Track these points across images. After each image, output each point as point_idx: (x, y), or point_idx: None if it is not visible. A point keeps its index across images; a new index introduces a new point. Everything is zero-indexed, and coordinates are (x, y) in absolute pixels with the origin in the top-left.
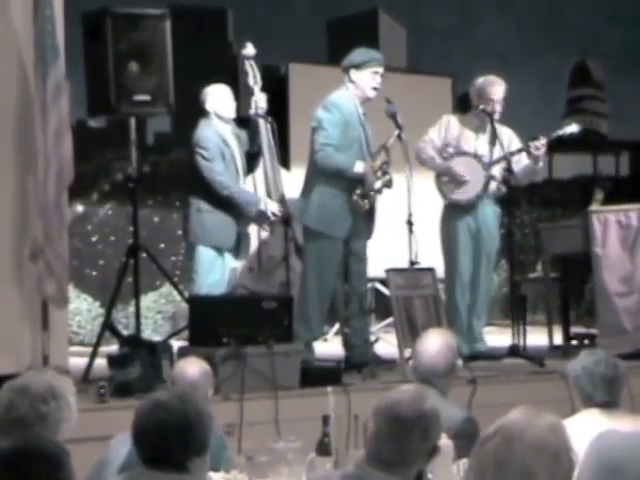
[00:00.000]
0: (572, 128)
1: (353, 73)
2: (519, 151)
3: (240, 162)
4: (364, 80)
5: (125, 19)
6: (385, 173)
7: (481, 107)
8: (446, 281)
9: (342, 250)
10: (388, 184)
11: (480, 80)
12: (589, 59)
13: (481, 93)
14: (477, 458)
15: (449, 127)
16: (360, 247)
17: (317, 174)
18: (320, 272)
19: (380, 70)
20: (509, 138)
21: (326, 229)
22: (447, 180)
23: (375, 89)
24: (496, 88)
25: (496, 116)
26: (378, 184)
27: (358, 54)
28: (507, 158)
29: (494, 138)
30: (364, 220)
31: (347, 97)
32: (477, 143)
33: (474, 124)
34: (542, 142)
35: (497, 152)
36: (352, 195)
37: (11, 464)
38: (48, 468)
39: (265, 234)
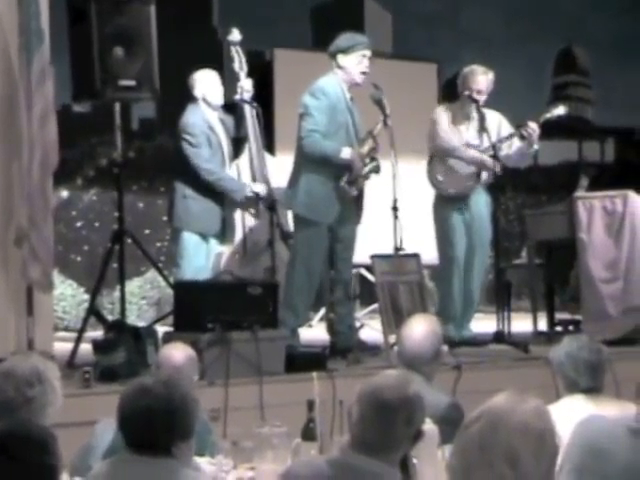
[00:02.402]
0: (559, 110)
1: (340, 58)
2: (510, 137)
3: (227, 148)
4: (352, 65)
5: (110, 3)
6: (373, 159)
7: (466, 93)
8: (441, 268)
9: (328, 236)
10: (376, 170)
11: (465, 69)
12: (575, 46)
13: (463, 82)
14: (462, 441)
15: (444, 117)
16: (348, 233)
17: (304, 161)
18: (307, 258)
19: (367, 54)
20: (498, 122)
21: (314, 216)
22: (441, 174)
23: (363, 73)
24: (478, 78)
25: (478, 100)
26: (366, 170)
27: (344, 39)
28: (494, 146)
29: (482, 126)
30: (352, 206)
31: (334, 82)
32: (467, 132)
33: (462, 112)
34: (533, 126)
35: (486, 139)
36: (339, 181)
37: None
38: (35, 452)
39: (251, 220)
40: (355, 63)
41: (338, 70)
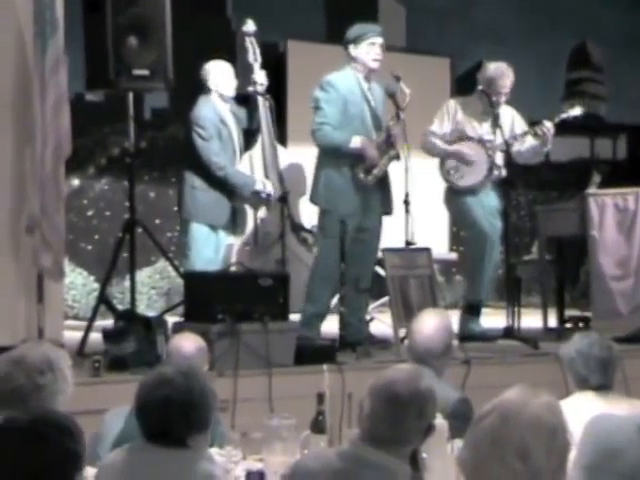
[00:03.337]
0: (576, 111)
1: (352, 49)
2: (524, 134)
3: (237, 141)
4: (362, 53)
5: None
6: (391, 146)
7: (480, 88)
8: (471, 245)
9: (341, 228)
10: (395, 157)
11: (492, 68)
12: (589, 42)
13: (490, 83)
14: (473, 434)
15: (452, 113)
16: (372, 223)
17: (322, 153)
18: (329, 250)
19: (377, 41)
20: (512, 118)
21: (332, 207)
22: (452, 168)
23: (375, 60)
24: (506, 81)
25: (500, 103)
26: (384, 158)
27: (354, 30)
28: (508, 143)
29: (496, 122)
30: (376, 196)
31: (346, 75)
32: (481, 128)
33: (478, 107)
34: (548, 126)
35: (499, 135)
36: (355, 171)
37: (31, 434)
38: (65, 438)
39: (262, 212)
40: (365, 51)
41: (351, 61)
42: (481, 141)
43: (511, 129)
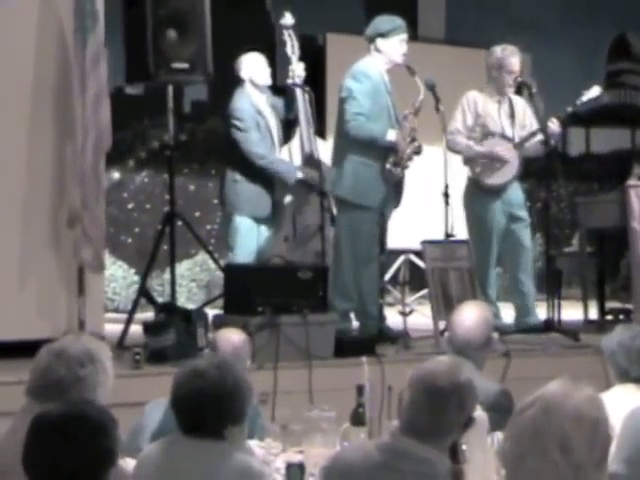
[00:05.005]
0: (594, 91)
1: (380, 42)
2: (534, 134)
3: (276, 131)
4: (393, 48)
5: None
6: (413, 140)
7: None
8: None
9: (377, 220)
10: (418, 150)
11: (499, 50)
12: (629, 33)
13: (502, 65)
14: (515, 426)
15: (473, 106)
16: (387, 218)
17: (349, 144)
18: (355, 243)
19: (406, 37)
20: (523, 110)
21: (360, 199)
22: (480, 167)
23: (404, 55)
24: (516, 59)
25: (511, 85)
26: (408, 151)
27: (383, 22)
28: (535, 134)
29: (512, 112)
30: (394, 189)
31: (374, 66)
32: (501, 120)
33: (495, 98)
34: (553, 127)
35: (517, 126)
36: (385, 164)
37: (57, 428)
38: (92, 434)
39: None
40: (396, 46)
41: (376, 53)
42: (504, 136)
43: (523, 119)
